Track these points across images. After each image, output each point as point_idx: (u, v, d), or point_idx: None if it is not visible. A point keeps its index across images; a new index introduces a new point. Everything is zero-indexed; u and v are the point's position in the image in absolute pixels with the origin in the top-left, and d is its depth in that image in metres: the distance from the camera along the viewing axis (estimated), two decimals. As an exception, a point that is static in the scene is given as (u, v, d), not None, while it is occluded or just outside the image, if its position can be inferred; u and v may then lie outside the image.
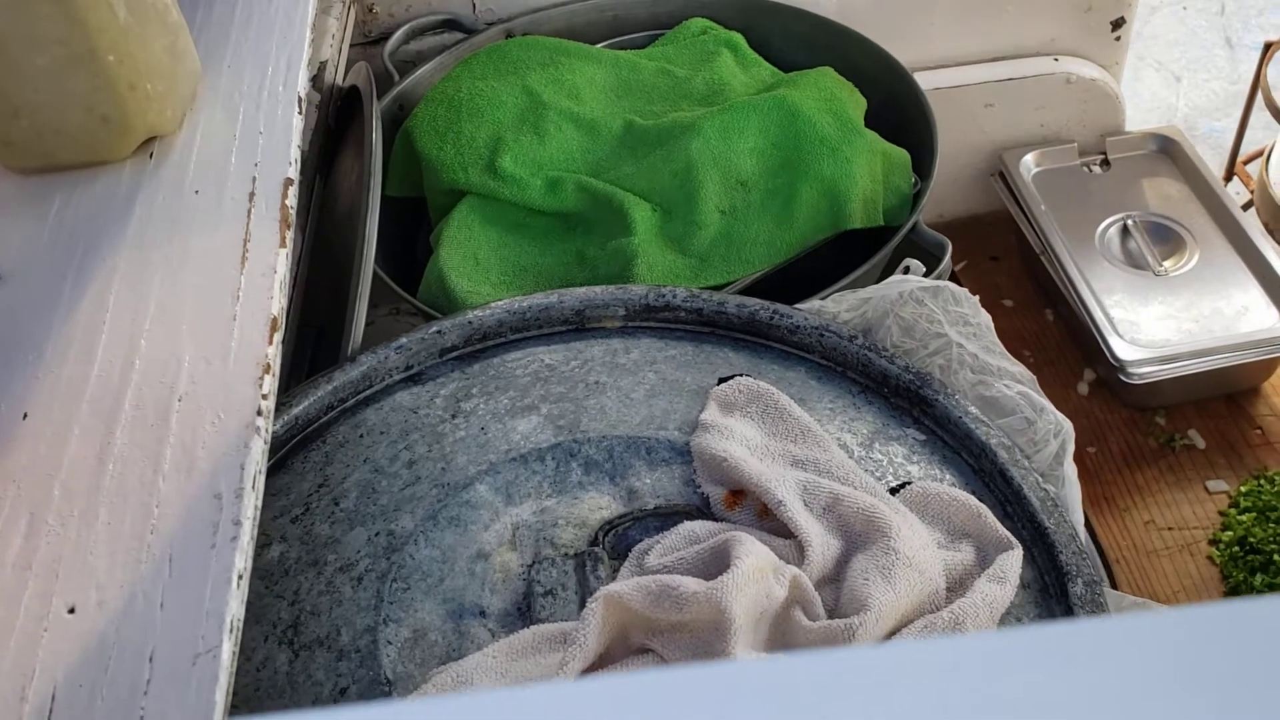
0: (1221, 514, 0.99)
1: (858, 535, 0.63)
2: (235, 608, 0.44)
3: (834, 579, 0.62)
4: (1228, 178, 1.40)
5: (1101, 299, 1.07)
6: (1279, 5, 2.55)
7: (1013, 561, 0.63)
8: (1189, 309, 1.06)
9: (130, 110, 0.63)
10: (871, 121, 1.01)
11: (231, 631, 0.43)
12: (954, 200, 1.27)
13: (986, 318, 0.74)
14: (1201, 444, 1.04)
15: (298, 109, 0.67)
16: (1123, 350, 1.02)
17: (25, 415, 0.52)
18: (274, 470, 0.72)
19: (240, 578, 0.45)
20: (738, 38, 1.08)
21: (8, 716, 0.40)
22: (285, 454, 0.73)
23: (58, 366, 0.54)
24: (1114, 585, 0.91)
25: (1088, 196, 1.17)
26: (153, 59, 0.63)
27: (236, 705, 0.60)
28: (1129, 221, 1.14)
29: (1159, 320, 1.06)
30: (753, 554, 0.58)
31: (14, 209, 0.64)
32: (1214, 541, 0.98)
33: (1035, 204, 1.16)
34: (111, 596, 0.44)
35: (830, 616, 0.60)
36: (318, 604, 0.64)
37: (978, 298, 0.74)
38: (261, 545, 0.67)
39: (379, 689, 0.59)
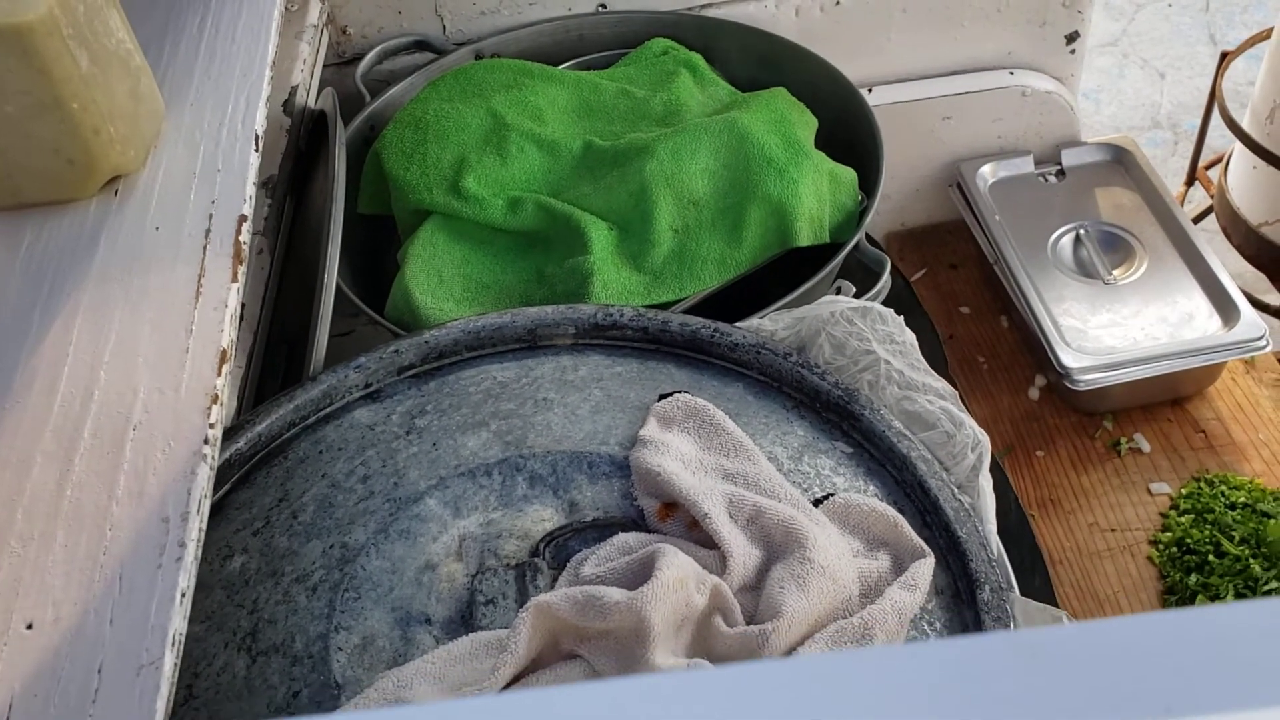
0: (1163, 515, 1.03)
1: (778, 545, 0.67)
2: (178, 623, 0.49)
3: (754, 587, 0.66)
4: (1189, 182, 1.43)
5: (1051, 307, 1.11)
6: (1263, 3, 2.57)
7: (924, 569, 0.67)
8: (1136, 316, 1.10)
9: (95, 152, 0.67)
10: (825, 139, 1.05)
11: (174, 645, 0.48)
12: (915, 210, 1.30)
13: (911, 336, 0.77)
14: (1147, 447, 1.08)
15: (254, 147, 0.71)
16: (1069, 358, 1.06)
17: (-8, 444, 0.56)
18: (238, 485, 0.76)
19: (184, 595, 0.49)
20: (697, 58, 1.12)
21: (-35, 725, 0.45)
22: (249, 469, 0.77)
23: (24, 397, 0.59)
24: (1051, 587, 0.95)
25: (1042, 206, 1.21)
26: (116, 103, 0.68)
27: (198, 708, 0.64)
28: (1081, 231, 1.18)
29: (1106, 328, 1.09)
30: (674, 565, 0.62)
31: (-13, 244, 0.68)
32: (1154, 542, 1.01)
33: (990, 214, 1.20)
34: (66, 613, 0.49)
35: (749, 622, 0.64)
36: (275, 612, 0.68)
37: (903, 317, 0.78)
38: (224, 557, 0.72)
39: (329, 693, 0.64)
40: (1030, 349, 1.16)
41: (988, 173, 1.24)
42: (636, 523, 0.70)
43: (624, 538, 0.68)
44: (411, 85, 1.12)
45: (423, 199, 1.00)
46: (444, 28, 1.17)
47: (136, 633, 0.48)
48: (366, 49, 1.14)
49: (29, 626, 0.49)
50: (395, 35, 1.15)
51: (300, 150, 1.00)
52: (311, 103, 1.04)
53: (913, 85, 1.23)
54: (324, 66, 1.09)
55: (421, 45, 1.16)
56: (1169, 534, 1.01)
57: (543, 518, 0.71)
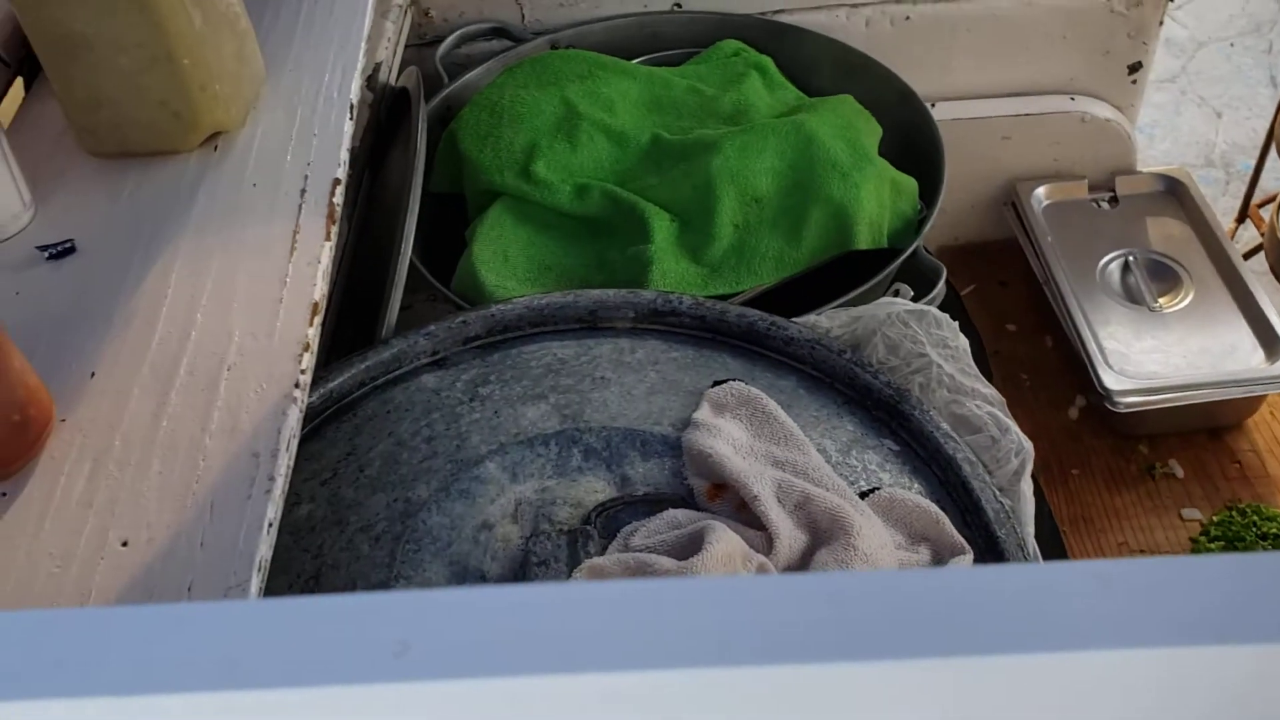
0: (1192, 540, 1.05)
1: (823, 532, 0.70)
2: (264, 550, 0.52)
3: (798, 569, 0.69)
4: (1240, 218, 1.45)
5: (1096, 330, 1.13)
6: (1327, 46, 2.56)
7: (963, 565, 0.69)
8: (1179, 345, 1.12)
9: (199, 108, 0.70)
10: (887, 148, 1.07)
11: (259, 570, 0.51)
12: (968, 225, 1.32)
13: (964, 342, 0.80)
14: (1180, 473, 1.10)
15: (349, 115, 0.74)
16: (1110, 380, 1.08)
17: (93, 374, 0.60)
18: (308, 437, 0.80)
19: (270, 525, 0.53)
20: (767, 61, 1.14)
21: (71, 624, 0.48)
22: (320, 423, 0.81)
23: (123, 332, 0.62)
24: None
25: (1094, 231, 1.23)
26: (222, 63, 0.71)
27: (259, 642, 0.67)
28: (1130, 258, 1.19)
29: (1149, 354, 1.11)
30: (724, 540, 0.65)
31: (92, 189, 0.72)
32: (1183, 566, 1.03)
33: (1042, 234, 1.22)
34: (159, 535, 0.52)
35: (791, 602, 0.67)
36: (338, 559, 0.71)
37: (958, 323, 0.80)
38: (292, 504, 0.75)
39: (385, 637, 0.67)
40: (1073, 369, 1.18)
41: (1042, 194, 1.26)
42: (685, 500, 0.73)
43: (673, 513, 0.71)
44: (488, 70, 1.15)
45: (494, 180, 1.03)
46: (523, 16, 1.20)
47: (225, 556, 0.51)
48: (447, 32, 1.17)
49: (124, 544, 0.52)
50: (475, 21, 1.19)
51: (380, 126, 1.04)
52: (393, 80, 1.07)
53: (974, 103, 1.25)
54: (405, 46, 1.13)
55: (500, 32, 1.19)
56: (1199, 559, 1.02)
57: (595, 489, 0.74)
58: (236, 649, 0.22)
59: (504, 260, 1.00)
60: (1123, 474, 1.11)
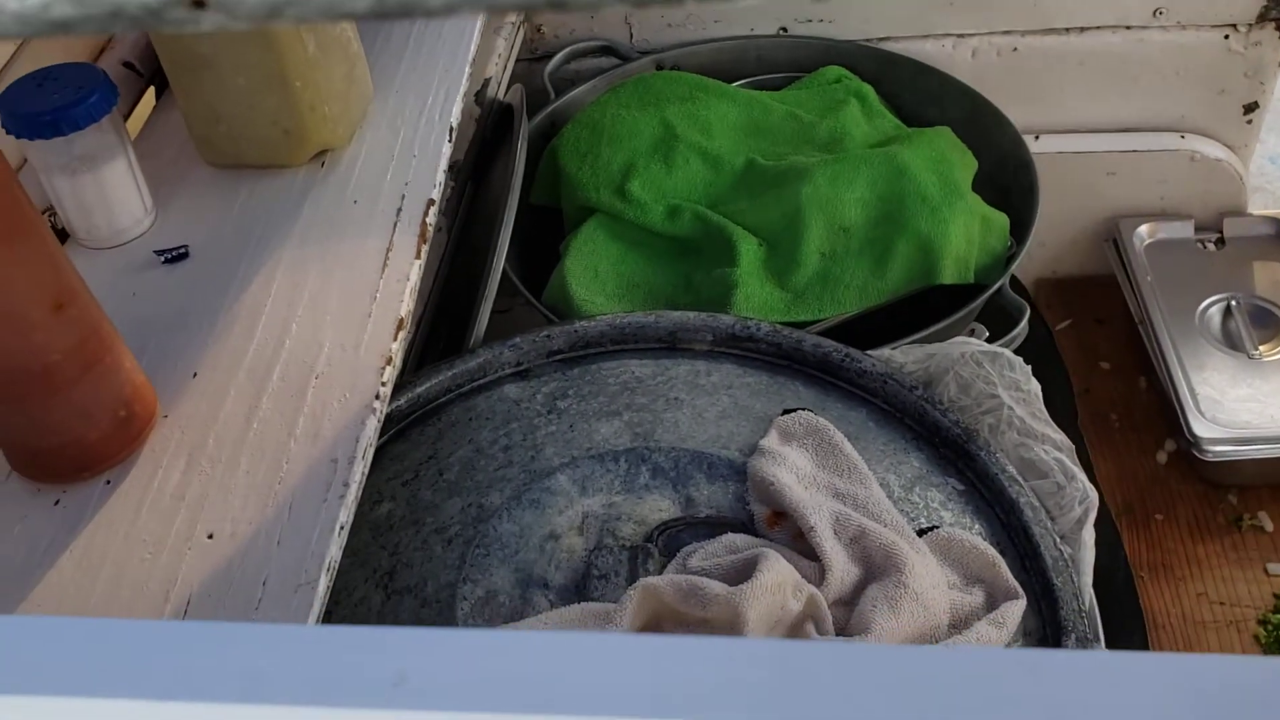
0: (1276, 596, 1.03)
1: (877, 567, 0.71)
2: (334, 551, 0.56)
3: (849, 602, 0.70)
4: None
5: (1191, 374, 1.11)
6: None
7: (1015, 610, 0.70)
8: (1277, 395, 1.09)
9: (308, 126, 0.75)
10: (984, 180, 1.07)
11: (328, 570, 0.55)
12: (1068, 260, 1.31)
13: (1036, 386, 0.80)
14: (1269, 527, 1.07)
15: (448, 138, 0.78)
16: (1201, 427, 1.06)
17: (195, 374, 0.65)
18: (394, 439, 0.84)
19: (342, 529, 0.57)
20: (868, 89, 1.15)
21: (152, 613, 0.53)
22: (406, 426, 0.85)
23: (225, 337, 0.67)
24: (1148, 649, 0.96)
25: (1197, 273, 1.20)
26: (332, 85, 0.76)
27: (334, 631, 0.72)
28: (1233, 302, 1.17)
29: (1244, 402, 1.09)
30: (775, 569, 0.67)
31: (208, 197, 0.77)
32: (1263, 621, 1.01)
33: (1143, 273, 1.20)
34: (242, 530, 0.56)
35: (839, 634, 0.68)
36: (412, 558, 0.75)
37: (1048, 359, 0.81)
38: (374, 502, 0.79)
39: (449, 636, 0.71)
40: (1164, 412, 1.16)
41: (1145, 232, 1.24)
42: (745, 525, 0.75)
43: (732, 538, 0.73)
44: (594, 88, 1.19)
45: (590, 197, 1.06)
46: (631, 35, 1.23)
47: (298, 555, 0.55)
48: (557, 48, 1.21)
49: (210, 536, 0.57)
50: (585, 38, 1.22)
51: (485, 138, 1.08)
52: (501, 95, 1.11)
53: (1081, 137, 1.24)
54: (516, 61, 1.17)
55: (608, 50, 1.23)
56: (1280, 616, 1.00)
57: (660, 507, 0.77)
58: (259, 665, 0.26)
59: (594, 275, 1.04)
60: (1208, 523, 1.09)
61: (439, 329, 1.04)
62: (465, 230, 1.08)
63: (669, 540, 0.75)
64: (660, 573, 0.72)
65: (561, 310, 1.01)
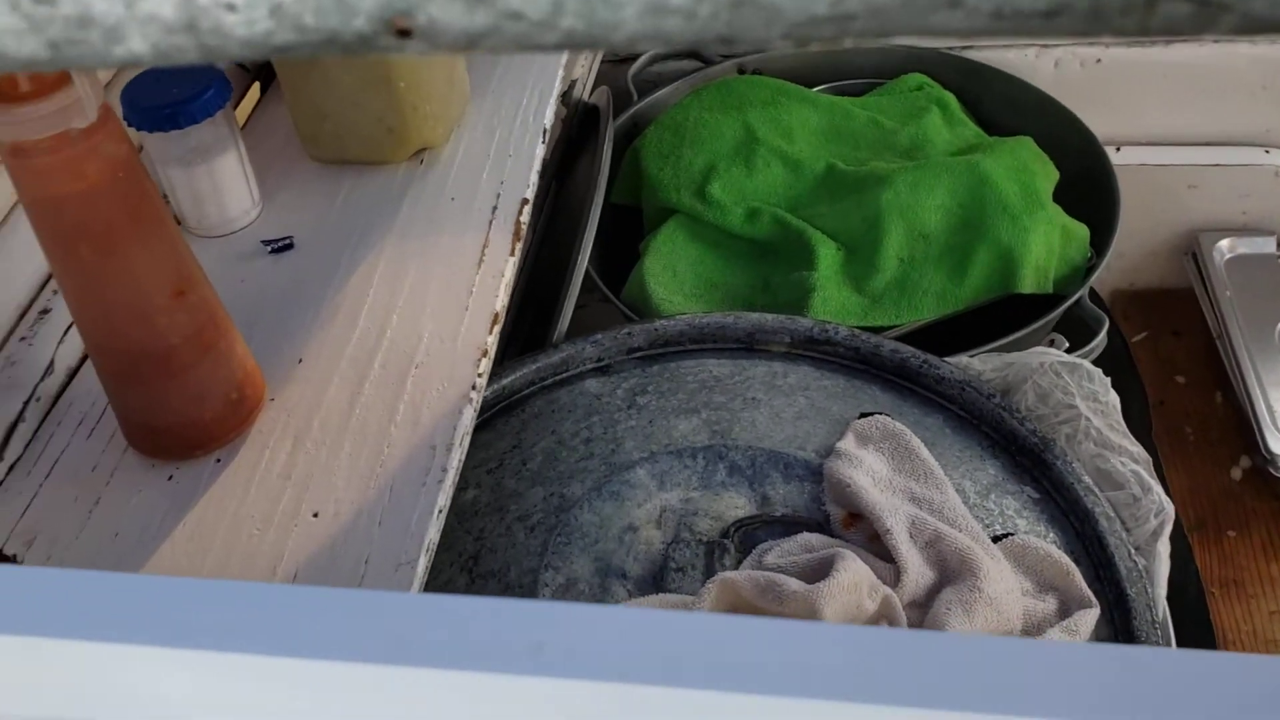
0: (1350, 618, 1.02)
1: (951, 571, 0.72)
2: (433, 534, 0.58)
3: (923, 605, 0.72)
4: None
5: (1268, 390, 1.10)
6: None
7: (1088, 619, 0.71)
8: (1357, 415, 1.08)
9: (410, 125, 0.78)
10: (1064, 191, 1.08)
11: (427, 551, 0.57)
12: (1146, 272, 1.31)
13: (1115, 398, 0.81)
14: (1346, 548, 1.07)
15: (541, 139, 0.80)
16: (1277, 444, 1.05)
17: (300, 361, 0.68)
18: (480, 428, 0.87)
19: (440, 512, 0.59)
20: (950, 97, 1.16)
21: (266, 582, 0.56)
22: (491, 415, 0.88)
23: (328, 325, 0.70)
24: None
25: (1277, 289, 1.20)
26: (434, 86, 0.78)
27: (420, 612, 0.75)
28: (1314, 320, 1.16)
29: (1323, 421, 1.08)
30: (851, 570, 0.69)
31: (312, 191, 0.80)
32: (1336, 643, 1.00)
33: (1221, 288, 1.19)
34: (345, 510, 0.59)
35: (912, 634, 0.70)
36: (496, 543, 0.78)
37: (1124, 371, 0.81)
38: (460, 488, 0.82)
39: (531, 621, 0.73)
40: (1240, 428, 1.16)
41: (1225, 247, 1.23)
42: (821, 526, 0.77)
43: (807, 537, 0.74)
44: (676, 90, 1.21)
45: (670, 198, 1.08)
46: (714, 39, 1.24)
47: (399, 536, 0.58)
48: (641, 51, 1.23)
49: (315, 515, 0.60)
50: (668, 41, 1.24)
51: (570, 137, 1.10)
52: (586, 96, 1.13)
53: (1162, 150, 1.24)
54: (601, 62, 1.19)
55: (691, 53, 1.24)
56: (1355, 638, 1.00)
57: (736, 505, 0.79)
58: (405, 631, 0.28)
59: (673, 275, 1.05)
60: (1282, 541, 1.08)
61: (521, 322, 1.06)
62: (549, 227, 1.11)
63: (744, 537, 0.77)
64: (735, 568, 0.74)
65: (639, 308, 1.03)
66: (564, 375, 0.90)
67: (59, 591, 0.30)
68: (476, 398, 0.65)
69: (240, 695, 0.29)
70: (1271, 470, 1.05)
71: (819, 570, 0.70)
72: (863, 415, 0.83)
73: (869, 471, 0.78)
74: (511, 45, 0.21)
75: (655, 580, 0.74)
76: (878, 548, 0.74)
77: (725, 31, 0.20)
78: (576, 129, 1.12)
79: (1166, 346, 1.27)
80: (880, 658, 0.26)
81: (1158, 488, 0.77)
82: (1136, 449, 0.79)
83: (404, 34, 0.20)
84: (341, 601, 0.29)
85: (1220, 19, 0.19)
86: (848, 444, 0.80)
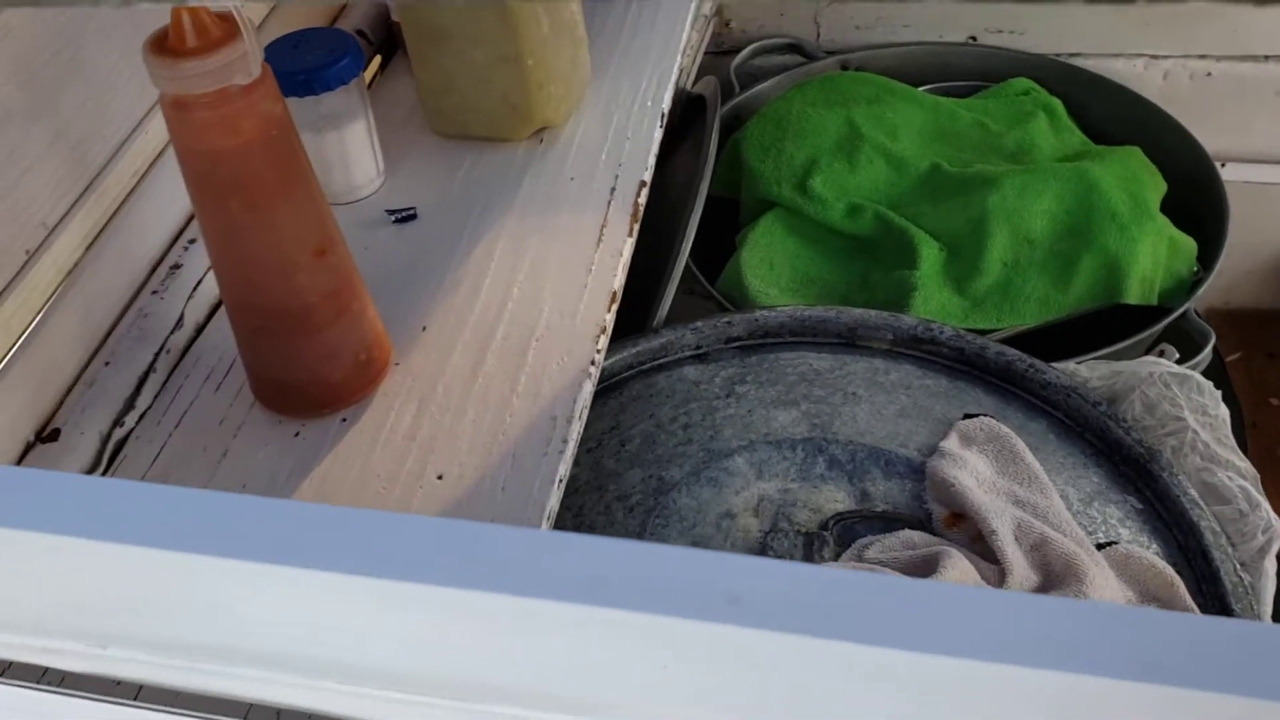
0: None
1: (1056, 576, 0.72)
2: (553, 502, 0.59)
3: (1025, 606, 0.71)
4: None
5: (1370, 418, 1.08)
6: None
7: (1193, 632, 0.70)
8: None
9: (534, 104, 0.79)
10: (1171, 204, 1.06)
11: (548, 518, 0.58)
12: (1243, 291, 1.29)
13: (1225, 412, 0.80)
14: None
15: (659, 123, 0.81)
16: (1379, 472, 1.03)
17: (424, 328, 0.69)
18: (578, 407, 0.88)
19: (560, 481, 0.60)
20: (1056, 104, 1.15)
21: (396, 539, 0.57)
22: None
23: (451, 295, 0.71)
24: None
25: (1382, 315, 1.17)
26: (559, 66, 0.79)
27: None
28: None
29: None
30: (958, 568, 0.68)
31: (434, 164, 0.81)
32: None
33: (1324, 311, 1.17)
34: (469, 474, 0.60)
35: (1014, 636, 0.69)
36: (595, 521, 0.79)
37: (1220, 391, 0.80)
38: (559, 465, 0.83)
39: (630, 599, 0.74)
40: (1337, 455, 1.14)
41: (1331, 269, 1.21)
42: (922, 523, 0.76)
43: (909, 534, 0.74)
44: (778, 84, 1.21)
45: (771, 191, 1.08)
46: (818, 35, 1.25)
47: (521, 502, 0.59)
48: (745, 43, 1.23)
49: (439, 477, 0.61)
50: (773, 35, 1.24)
51: (672, 126, 1.11)
52: (689, 85, 1.14)
53: (1270, 168, 1.22)
54: (704, 54, 1.19)
55: (794, 49, 1.24)
56: None
57: (835, 498, 0.79)
58: (609, 571, 0.29)
59: (770, 267, 1.06)
60: (1377, 571, 1.06)
61: (621, 309, 1.07)
62: (647, 214, 1.11)
63: (843, 531, 0.77)
64: (835, 560, 0.74)
65: (736, 299, 1.04)
66: (662, 361, 0.90)
67: (193, 510, 0.31)
68: (595, 373, 0.65)
69: (427, 626, 0.30)
70: (1371, 498, 1.03)
71: (922, 567, 0.70)
72: (966, 416, 0.82)
73: (973, 472, 0.78)
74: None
75: (754, 567, 0.75)
76: (981, 548, 0.74)
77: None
78: (679, 119, 1.12)
79: (1261, 368, 1.25)
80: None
81: (1266, 504, 0.76)
82: (1245, 464, 0.78)
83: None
84: (540, 542, 0.30)
85: None
86: (951, 444, 0.80)
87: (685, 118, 1.14)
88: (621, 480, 0.81)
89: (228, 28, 0.53)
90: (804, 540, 0.76)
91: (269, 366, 0.63)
